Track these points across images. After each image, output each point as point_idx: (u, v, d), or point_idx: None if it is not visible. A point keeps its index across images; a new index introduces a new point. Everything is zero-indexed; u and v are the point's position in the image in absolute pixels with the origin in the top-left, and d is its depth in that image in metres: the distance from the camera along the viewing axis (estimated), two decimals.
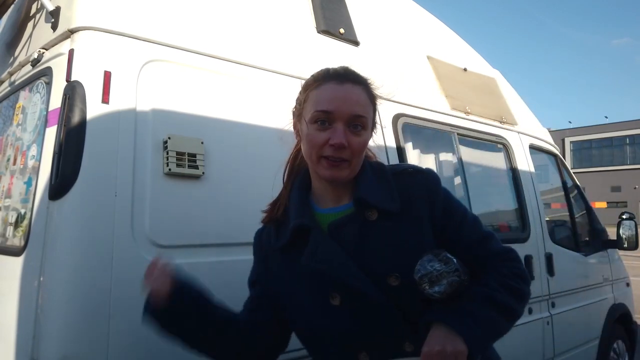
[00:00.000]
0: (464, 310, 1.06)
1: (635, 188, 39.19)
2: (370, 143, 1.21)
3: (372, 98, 1.19)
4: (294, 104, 1.27)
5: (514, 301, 1.12)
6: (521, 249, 2.87)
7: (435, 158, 2.75)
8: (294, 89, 2.05)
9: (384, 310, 1.12)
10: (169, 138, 1.63)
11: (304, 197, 1.22)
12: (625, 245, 3.76)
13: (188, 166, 1.65)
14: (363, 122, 1.14)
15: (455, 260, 1.08)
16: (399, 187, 1.18)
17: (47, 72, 1.68)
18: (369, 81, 1.21)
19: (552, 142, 3.84)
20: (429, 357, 1.00)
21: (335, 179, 1.15)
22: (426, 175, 1.21)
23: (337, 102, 1.12)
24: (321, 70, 1.21)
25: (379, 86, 1.23)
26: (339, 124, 1.11)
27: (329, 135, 1.11)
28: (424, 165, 2.65)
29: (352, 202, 1.17)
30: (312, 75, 1.21)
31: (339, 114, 1.11)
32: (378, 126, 1.29)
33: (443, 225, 1.17)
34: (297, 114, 1.21)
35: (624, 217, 3.81)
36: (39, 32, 1.84)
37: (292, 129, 1.27)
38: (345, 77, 1.16)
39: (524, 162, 3.21)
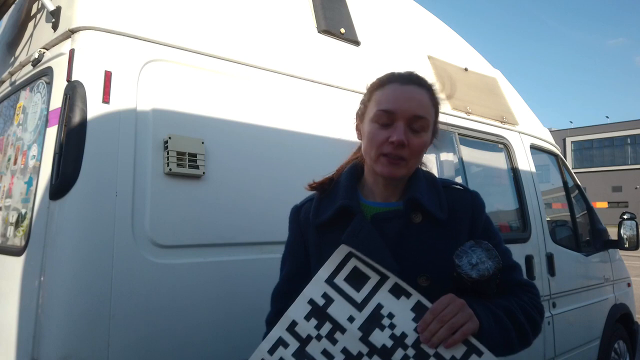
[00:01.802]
0: (487, 307, 1.09)
1: (636, 188, 39.11)
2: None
3: (434, 102, 1.23)
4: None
5: (528, 327, 1.15)
6: (522, 249, 2.87)
7: (436, 158, 2.75)
8: (294, 89, 2.09)
9: None
10: (170, 138, 1.63)
11: (353, 184, 1.27)
12: (626, 246, 3.76)
13: (188, 166, 1.65)
14: (424, 124, 1.17)
15: (495, 251, 1.11)
16: (446, 199, 1.23)
17: (48, 72, 1.68)
18: (433, 86, 1.24)
19: (553, 142, 3.83)
20: (444, 302, 1.02)
21: (392, 176, 1.18)
22: (473, 195, 1.27)
23: (400, 102, 1.15)
24: (386, 73, 1.25)
25: (439, 90, 1.26)
26: (400, 123, 1.14)
27: (390, 133, 1.14)
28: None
29: (400, 202, 1.21)
30: (378, 78, 1.25)
31: (401, 113, 1.15)
32: None
33: None
34: (360, 114, 1.26)
35: (625, 217, 3.80)
36: (40, 32, 1.85)
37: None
38: (409, 79, 1.20)
39: (525, 162, 3.20)
